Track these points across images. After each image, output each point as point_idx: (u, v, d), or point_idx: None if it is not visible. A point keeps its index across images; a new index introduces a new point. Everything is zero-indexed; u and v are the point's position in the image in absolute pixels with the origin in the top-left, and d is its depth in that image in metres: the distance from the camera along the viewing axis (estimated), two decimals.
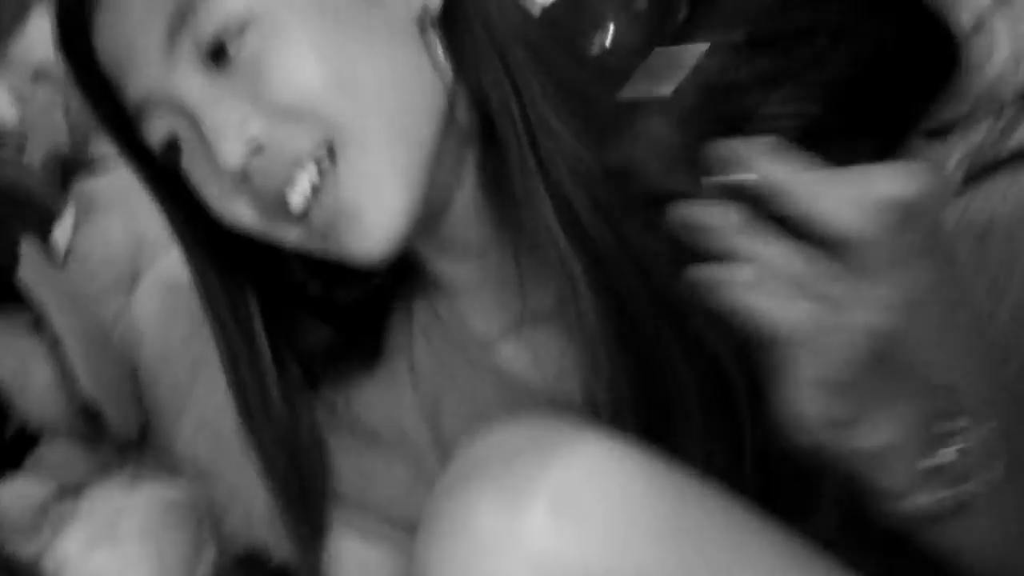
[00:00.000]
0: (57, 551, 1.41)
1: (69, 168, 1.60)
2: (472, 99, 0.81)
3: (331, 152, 0.76)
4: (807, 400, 0.61)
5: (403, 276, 0.89)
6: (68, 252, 1.58)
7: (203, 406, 1.50)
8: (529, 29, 0.82)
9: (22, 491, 1.41)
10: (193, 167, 0.80)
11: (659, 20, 1.39)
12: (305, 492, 0.87)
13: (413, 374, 0.89)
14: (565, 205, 0.78)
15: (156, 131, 0.80)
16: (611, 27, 1.36)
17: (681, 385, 0.77)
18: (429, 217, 0.81)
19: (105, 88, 0.81)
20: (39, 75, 1.74)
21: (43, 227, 1.54)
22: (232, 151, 0.75)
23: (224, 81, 0.76)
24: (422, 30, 0.80)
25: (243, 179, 0.77)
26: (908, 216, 0.58)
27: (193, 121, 0.77)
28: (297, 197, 0.76)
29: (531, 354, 0.86)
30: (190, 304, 0.88)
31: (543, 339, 0.85)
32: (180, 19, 0.76)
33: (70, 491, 1.47)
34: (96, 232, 1.60)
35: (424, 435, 0.89)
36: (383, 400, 0.90)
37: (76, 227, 1.59)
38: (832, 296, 0.59)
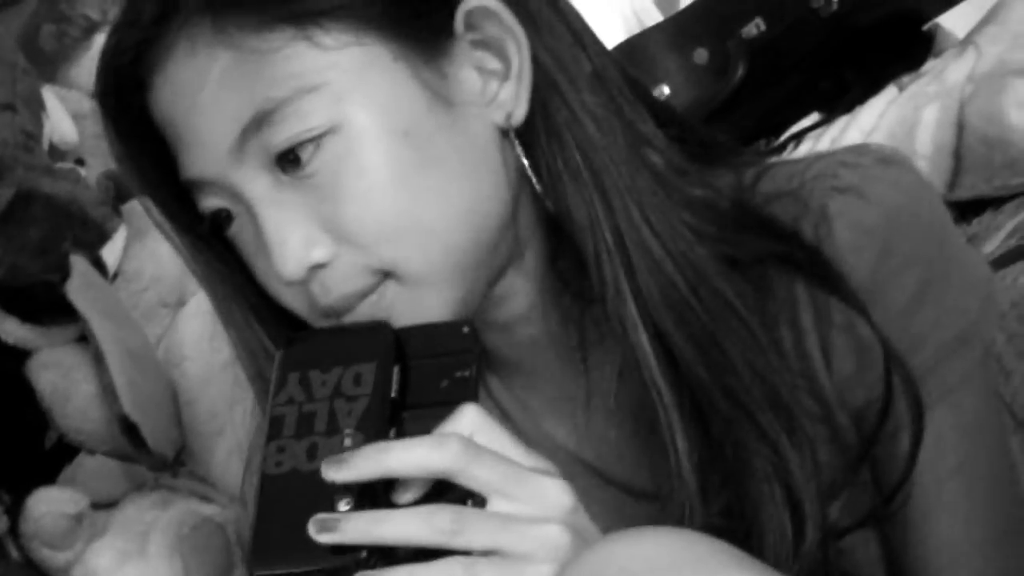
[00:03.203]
0: (87, 564, 1.42)
1: (123, 188, 1.62)
2: (544, 209, 0.78)
3: (386, 277, 0.74)
4: None
5: None
6: (117, 271, 1.59)
7: (239, 431, 1.50)
8: (633, 149, 0.78)
9: (56, 502, 1.41)
10: (245, 244, 0.78)
11: (717, 75, 1.41)
12: None
13: None
14: (656, 329, 0.75)
15: (209, 203, 0.77)
16: (666, 89, 1.38)
17: (759, 488, 0.75)
18: (482, 311, 0.79)
19: (147, 141, 0.78)
20: None
21: (94, 245, 1.55)
22: (291, 268, 0.73)
23: (291, 188, 0.73)
24: (503, 139, 0.77)
25: (299, 285, 0.75)
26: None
27: (251, 213, 0.75)
28: (351, 318, 0.75)
29: (587, 438, 0.84)
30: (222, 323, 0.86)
31: (601, 424, 0.84)
32: (257, 124, 0.73)
33: (103, 505, 1.48)
34: (146, 253, 1.61)
35: None
36: None
37: (126, 247, 1.60)
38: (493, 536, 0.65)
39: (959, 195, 1.25)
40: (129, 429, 1.42)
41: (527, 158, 0.77)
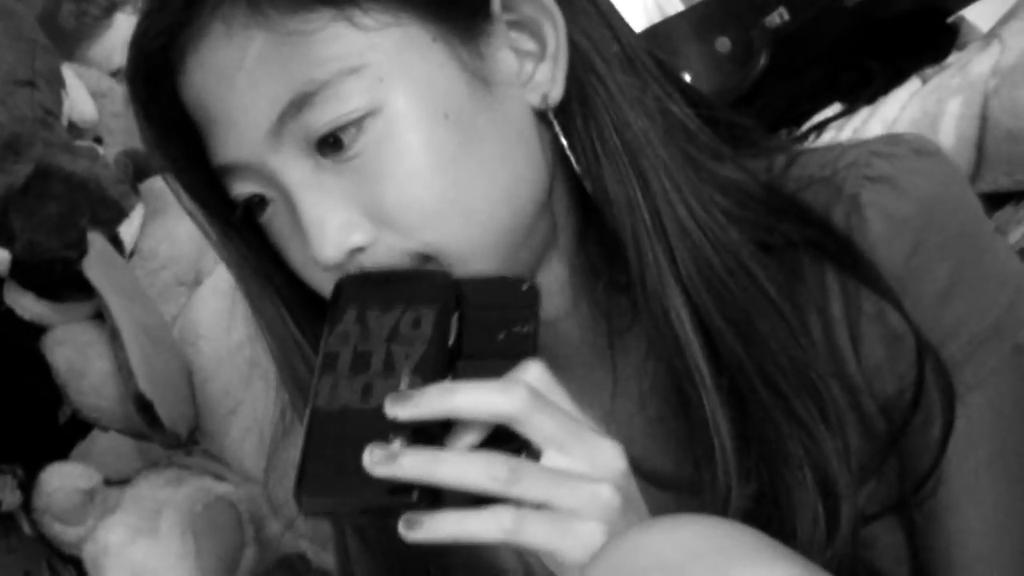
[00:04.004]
0: (99, 540, 1.42)
1: (142, 166, 1.62)
2: (577, 193, 0.78)
3: (425, 260, 0.74)
4: None
5: None
6: (134, 249, 1.59)
7: (253, 410, 1.50)
8: (668, 128, 0.78)
9: (69, 477, 1.42)
10: (280, 230, 0.77)
11: (739, 65, 1.40)
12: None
13: None
14: (696, 311, 0.75)
15: (242, 189, 0.77)
16: (688, 78, 1.37)
17: (793, 473, 0.75)
18: None
19: (177, 126, 0.78)
20: (119, 75, 1.76)
21: (111, 222, 1.55)
22: (329, 252, 0.73)
23: (332, 171, 0.73)
24: (540, 120, 0.77)
25: (336, 269, 0.75)
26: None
27: (288, 198, 0.75)
28: None
29: (613, 426, 0.84)
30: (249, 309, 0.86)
31: (626, 412, 0.84)
32: (296, 108, 0.72)
33: (116, 482, 1.48)
34: (163, 231, 1.61)
35: None
36: None
37: (144, 225, 1.60)
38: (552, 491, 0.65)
39: (980, 188, 1.24)
40: (144, 407, 1.42)
41: (564, 139, 0.77)
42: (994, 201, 1.23)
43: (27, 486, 1.43)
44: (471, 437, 0.67)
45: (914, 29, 1.42)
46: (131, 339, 1.43)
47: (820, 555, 0.73)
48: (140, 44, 0.77)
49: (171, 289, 1.61)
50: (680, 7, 1.65)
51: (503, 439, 0.67)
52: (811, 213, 0.77)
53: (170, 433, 1.44)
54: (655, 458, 0.82)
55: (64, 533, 1.42)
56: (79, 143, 1.57)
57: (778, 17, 1.38)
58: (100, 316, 1.48)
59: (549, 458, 0.66)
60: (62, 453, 1.49)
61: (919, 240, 0.75)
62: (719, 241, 0.75)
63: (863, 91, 1.39)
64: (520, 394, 0.65)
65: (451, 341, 0.70)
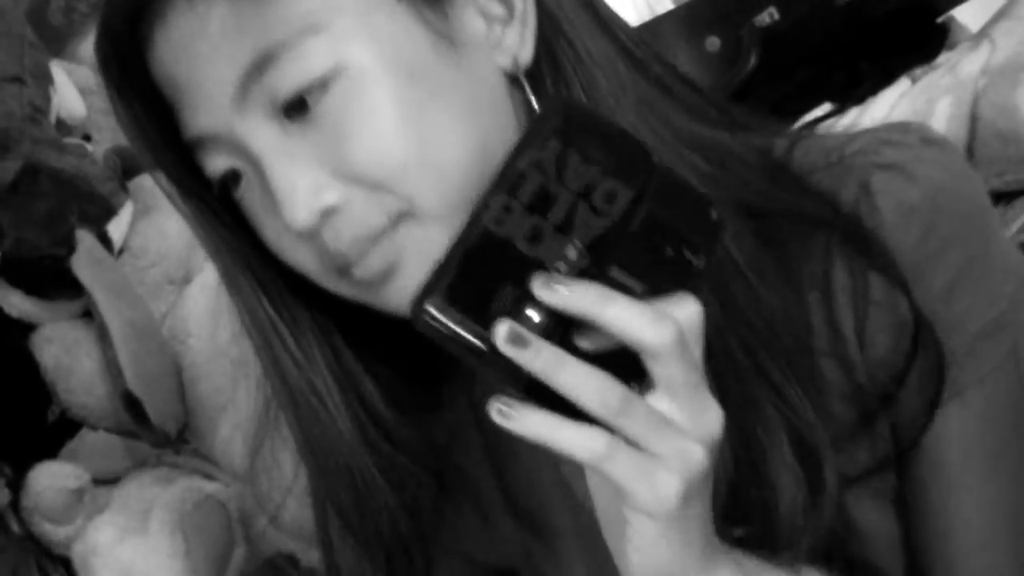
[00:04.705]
0: (88, 539, 1.42)
1: (130, 164, 1.61)
2: None
3: (400, 219, 0.73)
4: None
5: None
6: (123, 247, 1.59)
7: (242, 409, 1.50)
8: (639, 85, 0.77)
9: (57, 476, 1.41)
10: (252, 204, 0.77)
11: (729, 63, 1.40)
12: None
13: (472, 411, 0.87)
14: None
15: (215, 164, 0.76)
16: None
17: (771, 437, 0.74)
18: None
19: (152, 104, 0.77)
20: None
21: (100, 220, 1.55)
22: (301, 216, 0.72)
23: (299, 135, 0.73)
24: (511, 83, 0.77)
25: (309, 236, 0.74)
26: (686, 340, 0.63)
27: (259, 167, 0.74)
28: (364, 271, 0.74)
29: None
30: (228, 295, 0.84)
31: None
32: (258, 69, 0.72)
33: (105, 481, 1.48)
34: (152, 229, 1.61)
35: (489, 481, 0.88)
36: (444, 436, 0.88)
37: (133, 223, 1.60)
38: (645, 431, 0.63)
39: None
40: (132, 405, 1.42)
41: (537, 103, 0.76)
42: None
43: (16, 485, 1.43)
44: (603, 341, 0.64)
45: (904, 29, 1.42)
46: (120, 337, 1.43)
47: (804, 524, 0.73)
48: (107, 23, 0.76)
49: (160, 287, 1.61)
50: (670, 6, 1.64)
51: (620, 358, 0.64)
52: (818, 191, 0.76)
53: (159, 431, 1.44)
54: None
55: (53, 532, 1.42)
56: (68, 140, 1.57)
57: (768, 16, 1.38)
58: (89, 314, 1.48)
59: (657, 400, 0.64)
60: (51, 452, 1.49)
61: (929, 229, 0.75)
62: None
63: (853, 91, 1.39)
64: (669, 333, 0.63)
65: (630, 231, 0.65)
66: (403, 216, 0.73)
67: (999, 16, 1.35)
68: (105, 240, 1.54)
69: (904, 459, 0.78)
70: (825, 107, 1.42)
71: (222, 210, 0.78)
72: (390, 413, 0.84)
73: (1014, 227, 1.15)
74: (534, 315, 0.63)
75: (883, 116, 1.31)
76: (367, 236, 0.73)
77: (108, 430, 1.50)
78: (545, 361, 0.62)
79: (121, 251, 1.59)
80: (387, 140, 0.71)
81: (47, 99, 1.56)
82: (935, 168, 0.76)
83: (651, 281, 0.65)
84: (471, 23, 0.75)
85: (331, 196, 0.72)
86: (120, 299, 1.48)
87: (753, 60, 1.37)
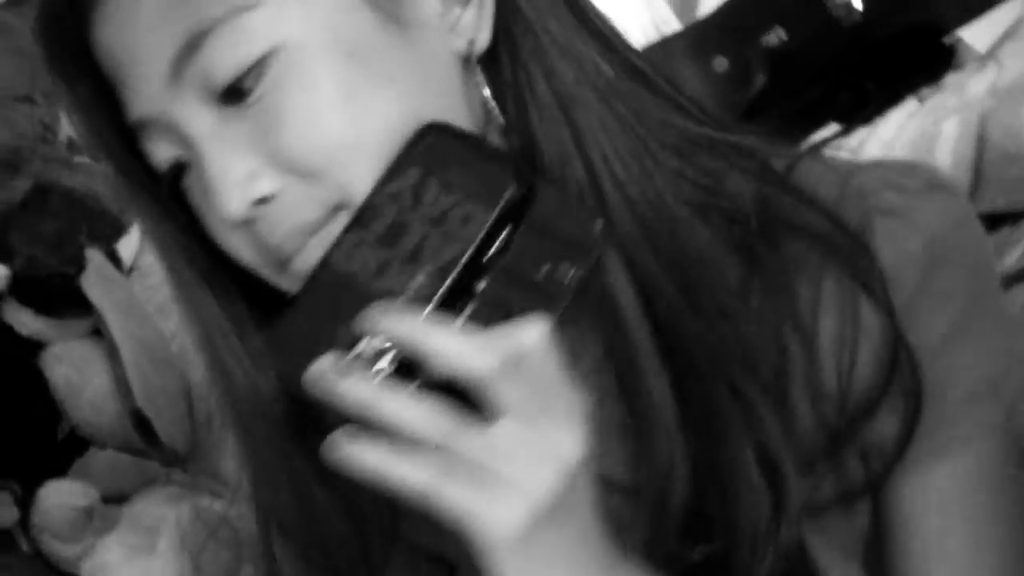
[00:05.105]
0: (96, 558, 1.42)
1: None
2: (513, 143, 0.74)
3: (336, 210, 0.70)
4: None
5: None
6: (133, 265, 1.59)
7: None
8: (614, 77, 0.73)
9: (66, 494, 1.42)
10: (194, 193, 0.74)
11: (737, 84, 1.41)
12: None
13: None
14: (634, 270, 0.71)
15: (159, 152, 0.73)
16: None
17: (735, 449, 0.71)
18: None
19: (97, 88, 0.74)
20: None
21: (110, 238, 1.55)
22: (232, 205, 0.69)
23: (236, 120, 0.69)
24: (465, 69, 0.73)
25: (244, 224, 0.70)
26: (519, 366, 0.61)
27: (195, 154, 0.71)
28: (302, 264, 0.70)
29: None
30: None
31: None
32: (191, 48, 0.68)
33: (114, 499, 1.48)
34: None
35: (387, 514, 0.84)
36: None
37: (142, 241, 1.60)
38: (485, 460, 0.61)
39: (976, 209, 1.25)
40: (141, 423, 1.43)
41: (492, 88, 0.73)
42: (990, 222, 1.23)
43: (25, 503, 1.43)
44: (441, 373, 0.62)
45: (911, 50, 1.42)
46: (129, 355, 1.44)
47: (764, 544, 0.70)
48: (46, 7, 0.74)
49: (170, 305, 1.61)
50: (677, 27, 1.65)
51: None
52: (819, 203, 0.74)
53: (167, 450, 1.44)
54: (609, 460, 0.75)
55: (62, 551, 1.42)
56: (78, 159, 1.57)
57: (776, 37, 1.39)
58: (98, 332, 1.49)
59: (504, 425, 0.62)
60: (60, 470, 1.49)
61: (927, 278, 0.73)
62: (661, 201, 0.71)
63: (860, 112, 1.39)
64: (491, 359, 0.61)
65: (491, 253, 0.64)
66: (340, 208, 0.69)
67: (1006, 37, 1.35)
68: (115, 259, 1.54)
69: (880, 521, 0.75)
70: (832, 128, 1.42)
71: (171, 202, 0.75)
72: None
73: (1019, 248, 1.15)
74: (370, 350, 0.62)
75: (891, 137, 1.32)
76: (303, 229, 0.69)
77: (117, 448, 1.50)
78: (360, 392, 0.61)
79: (131, 269, 1.59)
80: (321, 123, 0.68)
81: (57, 118, 1.57)
82: (938, 215, 0.73)
83: (519, 301, 0.63)
84: (425, 2, 0.72)
85: (265, 185, 0.69)
86: (130, 317, 1.48)
87: (761, 81, 1.38)
